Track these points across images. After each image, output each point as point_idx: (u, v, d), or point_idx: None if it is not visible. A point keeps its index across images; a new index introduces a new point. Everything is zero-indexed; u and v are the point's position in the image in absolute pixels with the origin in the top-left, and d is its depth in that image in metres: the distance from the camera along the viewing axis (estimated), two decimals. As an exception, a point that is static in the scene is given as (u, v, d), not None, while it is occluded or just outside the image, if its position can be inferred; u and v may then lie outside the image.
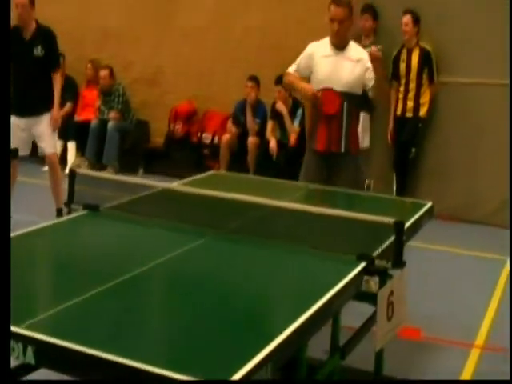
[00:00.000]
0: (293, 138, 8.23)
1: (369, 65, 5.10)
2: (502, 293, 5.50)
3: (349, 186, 4.86)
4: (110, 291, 2.64)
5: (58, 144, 8.97)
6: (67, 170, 8.39)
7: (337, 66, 5.02)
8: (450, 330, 4.70)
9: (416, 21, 7.63)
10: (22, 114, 6.31)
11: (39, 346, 2.16)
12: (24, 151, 6.59)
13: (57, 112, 6.49)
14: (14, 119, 6.17)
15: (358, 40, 7.83)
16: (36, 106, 6.41)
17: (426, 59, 7.64)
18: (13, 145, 6.17)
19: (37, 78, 6.31)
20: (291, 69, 5.20)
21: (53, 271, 3.07)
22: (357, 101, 5.11)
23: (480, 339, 4.67)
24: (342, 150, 5.06)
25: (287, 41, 8.89)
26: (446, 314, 5.03)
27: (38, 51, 6.23)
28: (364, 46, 7.70)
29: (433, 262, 6.19)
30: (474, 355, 4.43)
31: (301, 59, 5.16)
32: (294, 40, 8.82)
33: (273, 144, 8.34)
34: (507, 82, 7.38)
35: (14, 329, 2.21)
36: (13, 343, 2.18)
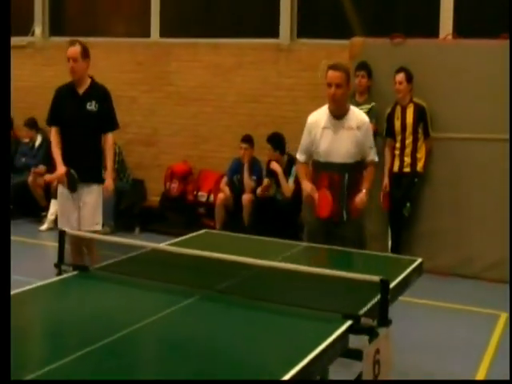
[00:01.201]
0: (288, 194, 8.32)
1: (370, 132, 5.17)
2: (495, 348, 5.47)
3: (352, 246, 4.90)
4: (98, 352, 2.67)
5: (54, 204, 9.02)
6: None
7: (336, 138, 5.05)
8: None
9: (409, 78, 7.72)
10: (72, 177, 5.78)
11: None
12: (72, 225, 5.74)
13: (110, 179, 5.96)
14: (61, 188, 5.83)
15: (353, 97, 7.99)
16: (88, 172, 5.87)
17: (420, 115, 7.71)
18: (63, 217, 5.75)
19: (89, 136, 5.86)
20: (299, 155, 5.28)
21: (42, 332, 3.09)
22: (358, 168, 5.16)
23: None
24: (344, 219, 5.12)
25: (280, 100, 9.06)
26: (436, 369, 5.00)
27: (92, 106, 5.81)
28: (358, 104, 7.89)
29: (425, 317, 6.19)
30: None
31: (303, 140, 5.21)
32: (287, 99, 9.02)
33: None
34: (499, 136, 7.48)
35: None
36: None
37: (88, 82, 5.91)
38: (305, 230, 5.35)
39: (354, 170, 5.13)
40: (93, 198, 5.85)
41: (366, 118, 5.20)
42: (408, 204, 7.70)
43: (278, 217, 8.29)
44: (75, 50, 5.81)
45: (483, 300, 6.67)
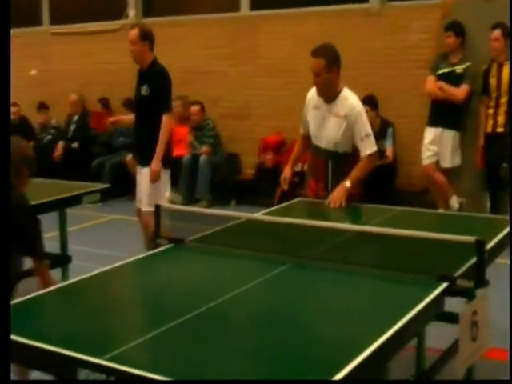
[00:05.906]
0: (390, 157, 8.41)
1: (361, 122, 4.64)
2: None
3: None
4: (189, 323, 2.70)
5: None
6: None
7: (323, 120, 4.72)
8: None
9: (506, 35, 7.44)
10: (135, 158, 6.45)
11: (120, 376, 2.26)
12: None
13: (156, 163, 5.76)
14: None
15: (446, 58, 7.80)
16: (139, 153, 6.06)
17: None
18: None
19: (142, 120, 5.92)
20: (301, 128, 4.92)
21: (134, 305, 3.17)
22: (347, 158, 4.76)
23: None
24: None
25: (371, 65, 8.92)
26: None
27: (144, 90, 5.81)
28: (452, 64, 7.70)
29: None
30: None
31: (303, 111, 4.90)
32: (378, 64, 8.87)
33: None
34: None
35: (97, 360, 2.32)
36: (96, 374, 2.29)
37: (146, 65, 5.91)
38: None
39: (341, 159, 4.73)
40: (142, 180, 5.93)
41: (357, 107, 4.67)
42: (505, 164, 7.45)
43: (374, 182, 8.20)
44: (132, 33, 5.87)
45: None
